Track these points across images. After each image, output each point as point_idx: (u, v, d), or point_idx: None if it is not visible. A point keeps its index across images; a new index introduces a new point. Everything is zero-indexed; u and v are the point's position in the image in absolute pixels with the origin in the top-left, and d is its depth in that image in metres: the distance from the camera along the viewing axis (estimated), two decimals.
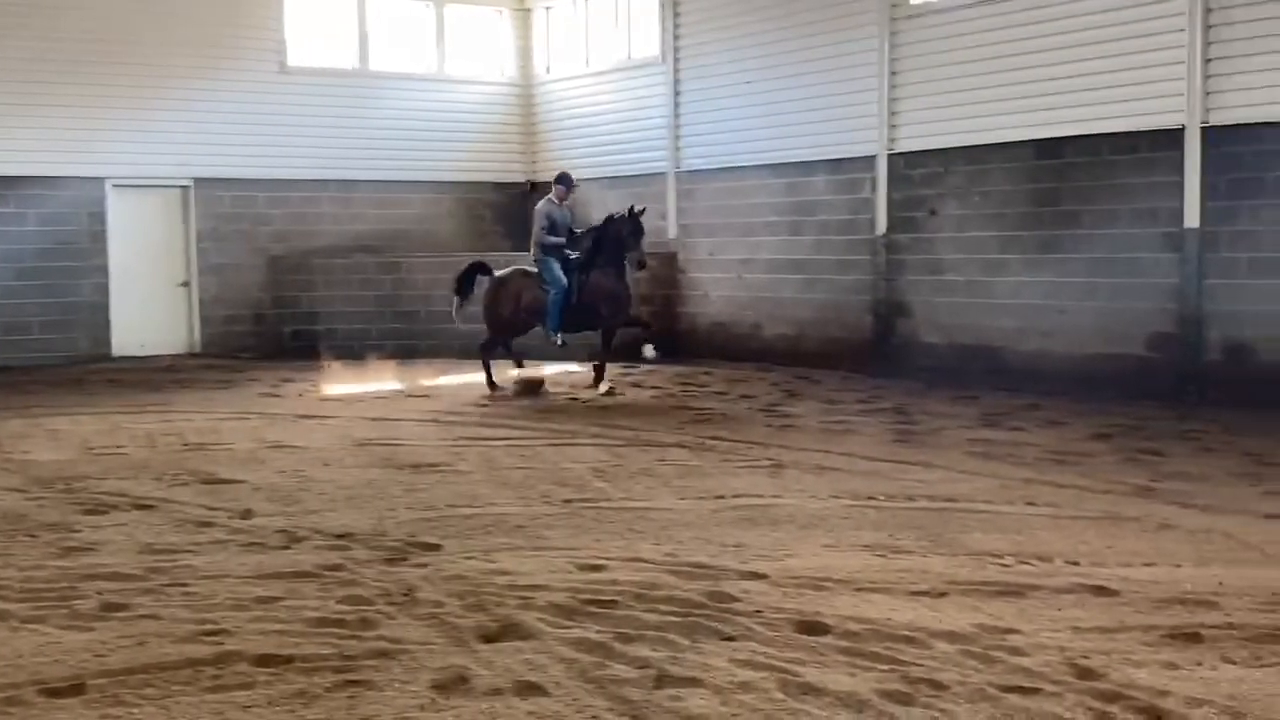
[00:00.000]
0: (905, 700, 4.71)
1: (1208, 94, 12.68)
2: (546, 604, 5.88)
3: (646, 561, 6.71)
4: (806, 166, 17.06)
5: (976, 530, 7.53)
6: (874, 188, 16.17)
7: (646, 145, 19.33)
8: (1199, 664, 5.09)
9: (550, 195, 14.67)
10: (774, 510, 8.09)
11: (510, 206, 21.39)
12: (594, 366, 14.54)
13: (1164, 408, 12.46)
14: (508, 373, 14.55)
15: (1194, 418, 11.89)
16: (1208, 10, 12.60)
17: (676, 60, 18.85)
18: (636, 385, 15.25)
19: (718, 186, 18.38)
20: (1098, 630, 5.51)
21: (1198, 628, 5.52)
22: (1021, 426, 11.70)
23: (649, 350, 14.26)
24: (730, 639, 5.40)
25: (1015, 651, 5.23)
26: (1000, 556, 6.86)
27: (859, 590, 6.17)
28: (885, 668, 5.04)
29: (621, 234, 14.11)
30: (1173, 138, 12.96)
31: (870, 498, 8.48)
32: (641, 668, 5.05)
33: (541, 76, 21.48)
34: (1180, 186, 12.89)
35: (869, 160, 16.19)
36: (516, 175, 21.59)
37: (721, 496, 8.49)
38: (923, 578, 6.39)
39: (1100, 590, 6.15)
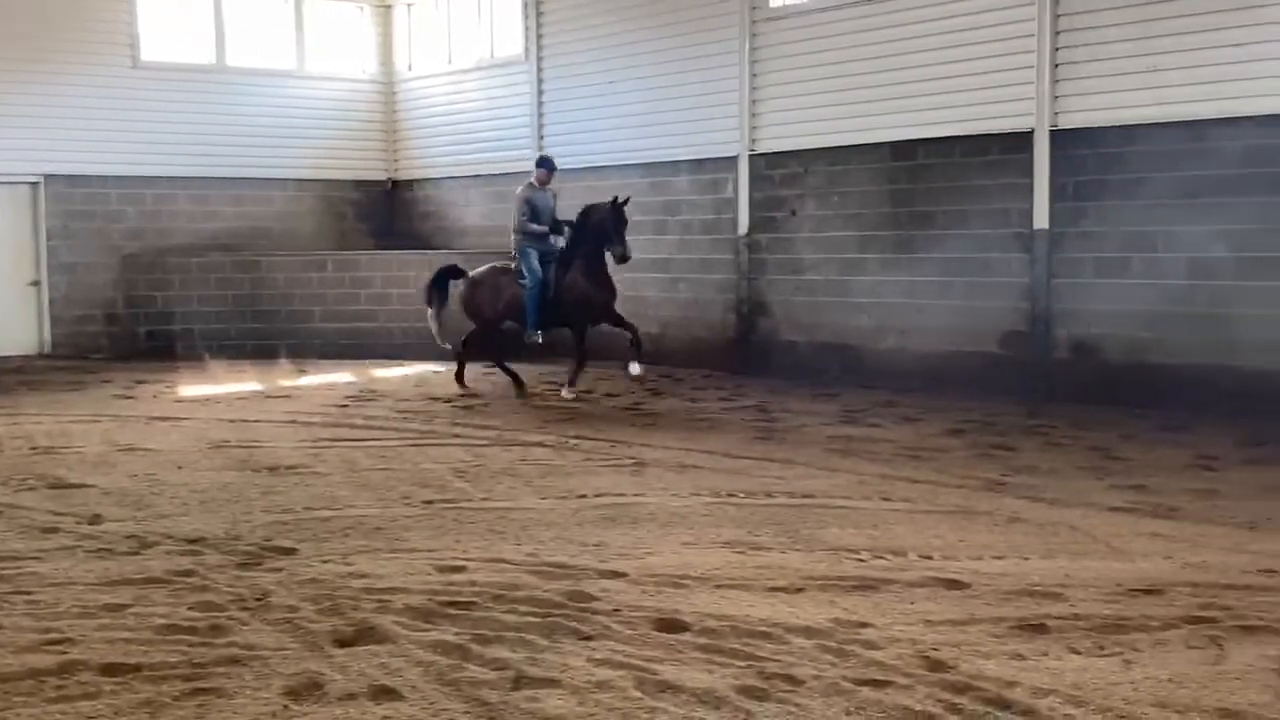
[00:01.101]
0: (761, 696, 4.75)
1: (1055, 98, 13.06)
2: (404, 607, 5.82)
3: (507, 562, 6.69)
4: (670, 166, 17.15)
5: (834, 526, 7.65)
6: (736, 188, 16.32)
7: (510, 144, 19.23)
8: (1045, 654, 5.23)
9: (531, 180, 13.86)
10: (635, 509, 8.11)
11: (372, 205, 21.18)
12: (573, 371, 13.80)
13: (1015, 404, 12.80)
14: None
15: (1043, 413, 12.24)
16: (1056, 17, 12.98)
17: (540, 58, 18.80)
18: (498, 384, 15.16)
19: (582, 185, 18.26)
20: (949, 623, 5.63)
21: (1044, 619, 5.67)
22: (879, 423, 11.91)
23: (635, 368, 13.28)
24: (589, 638, 5.40)
25: (869, 645, 5.32)
26: (856, 551, 6.98)
27: (718, 587, 6.22)
28: (742, 664, 5.09)
29: (603, 226, 13.31)
30: (1022, 141, 13.32)
31: (731, 495, 8.56)
32: (499, 669, 5.03)
33: (404, 74, 21.26)
34: (1030, 188, 13.25)
35: (731, 160, 16.34)
36: (378, 173, 21.36)
37: (583, 496, 8.49)
38: (780, 574, 6.47)
39: (952, 583, 6.28)
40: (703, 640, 5.38)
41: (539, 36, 18.79)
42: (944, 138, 14.04)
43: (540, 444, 10.76)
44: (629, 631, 5.50)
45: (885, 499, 8.52)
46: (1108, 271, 12.83)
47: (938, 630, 5.53)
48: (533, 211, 13.58)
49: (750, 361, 16.04)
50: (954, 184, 14.05)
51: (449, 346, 14.39)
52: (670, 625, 5.58)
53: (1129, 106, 12.55)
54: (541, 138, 18.80)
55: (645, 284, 17.47)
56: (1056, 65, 13.04)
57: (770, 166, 16.00)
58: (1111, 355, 12.84)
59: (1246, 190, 11.83)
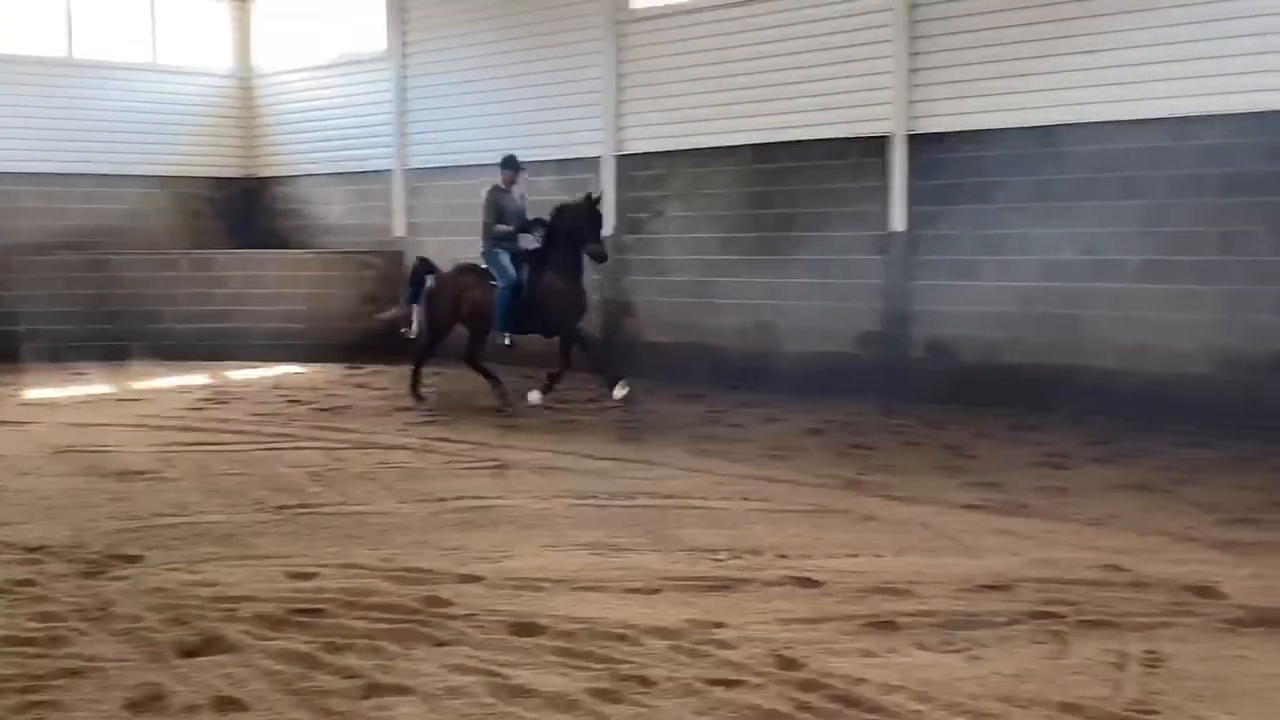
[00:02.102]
0: (614, 698, 4.74)
1: (912, 103, 13.31)
2: (252, 615, 5.68)
3: (361, 568, 6.57)
4: (535, 166, 17.00)
5: (693, 526, 7.67)
6: (601, 188, 16.29)
7: (373, 142, 19.01)
8: (893, 651, 5.30)
9: (497, 182, 13.32)
10: (496, 511, 8.05)
11: (229, 203, 20.73)
12: (548, 374, 12.95)
13: (874, 403, 12.98)
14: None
15: (900, 413, 12.44)
16: (913, 23, 13.23)
17: (404, 55, 18.59)
18: (361, 386, 14.98)
19: (447, 185, 18.19)
20: (802, 621, 5.68)
21: (894, 616, 5.75)
22: (741, 423, 12.00)
23: (620, 389, 12.41)
24: (442, 644, 5.33)
25: (723, 645, 5.33)
26: (714, 552, 7.00)
27: (576, 589, 6.19)
28: (597, 666, 5.07)
29: (577, 225, 12.65)
30: (880, 145, 13.55)
31: (592, 496, 8.54)
32: (349, 678, 4.93)
33: (262, 69, 20.84)
34: (887, 192, 13.48)
35: (596, 161, 16.33)
36: (236, 171, 20.90)
37: (443, 499, 8.39)
38: (639, 575, 6.47)
39: (807, 582, 6.34)
40: (558, 643, 5.34)
41: (402, 33, 18.58)
42: (805, 141, 14.20)
43: (402, 447, 10.62)
44: (484, 636, 5.45)
45: (745, 499, 8.58)
46: (963, 273, 13.10)
47: (791, 629, 5.57)
48: (499, 213, 13.08)
49: (616, 362, 16.00)
50: (815, 187, 14.22)
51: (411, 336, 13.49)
52: (526, 629, 5.53)
53: (983, 112, 12.84)
54: (405, 136, 18.60)
55: None
56: (913, 71, 13.29)
57: (635, 167, 16.03)
58: (966, 355, 13.12)
59: (1095, 194, 12.17)
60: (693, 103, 15.28)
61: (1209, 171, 11.49)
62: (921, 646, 5.37)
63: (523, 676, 4.96)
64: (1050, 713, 4.61)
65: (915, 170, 13.36)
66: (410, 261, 18.45)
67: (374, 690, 4.82)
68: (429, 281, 13.34)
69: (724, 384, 14.49)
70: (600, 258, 12.75)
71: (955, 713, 4.62)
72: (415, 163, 18.57)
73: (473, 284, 13.08)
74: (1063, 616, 5.74)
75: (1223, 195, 11.43)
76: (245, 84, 20.94)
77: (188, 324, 17.86)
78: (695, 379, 14.81)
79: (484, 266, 13.07)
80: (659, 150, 15.75)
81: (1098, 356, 12.21)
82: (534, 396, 12.83)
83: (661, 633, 5.48)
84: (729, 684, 4.88)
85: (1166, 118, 11.68)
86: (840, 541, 7.33)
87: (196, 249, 19.45)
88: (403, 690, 4.82)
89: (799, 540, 7.33)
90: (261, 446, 10.57)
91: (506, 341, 13.00)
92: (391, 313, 14.23)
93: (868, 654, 5.26)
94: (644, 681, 4.90)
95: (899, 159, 13.43)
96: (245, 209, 20.89)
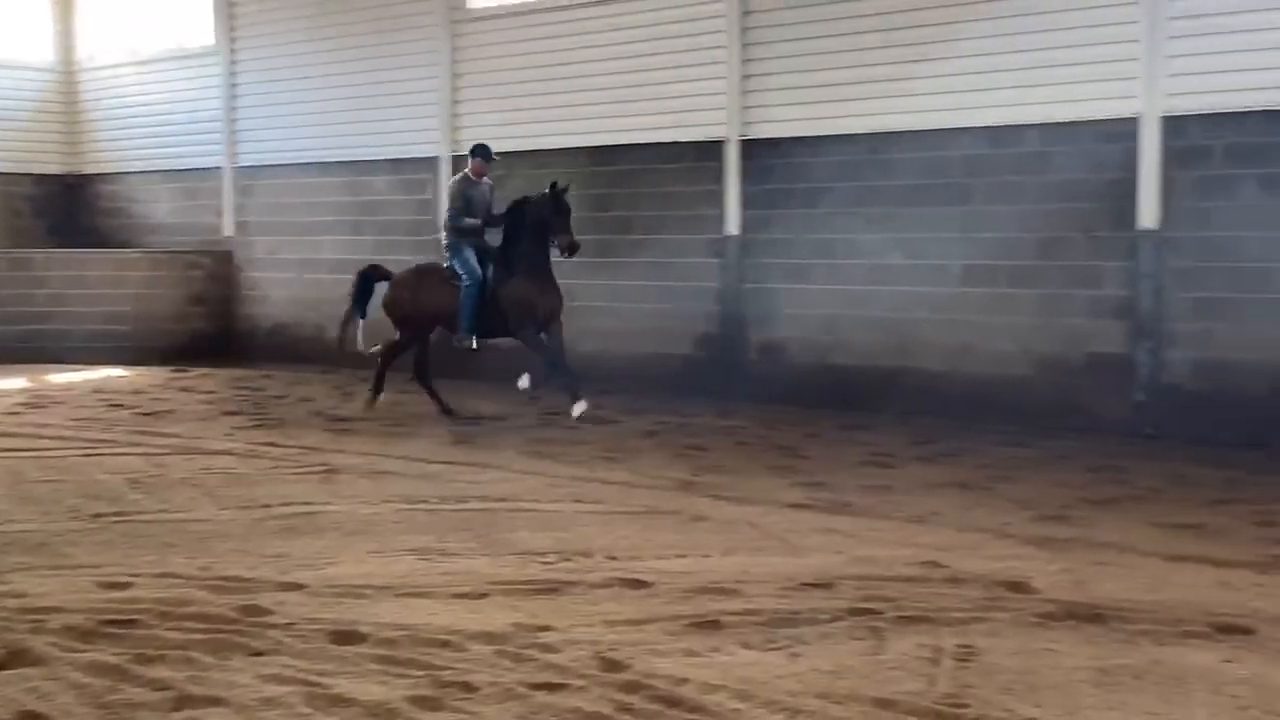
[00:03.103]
0: (435, 705, 4.68)
1: (745, 109, 13.49)
2: (60, 627, 5.48)
3: (177, 577, 6.39)
4: (369, 165, 16.86)
5: (524, 529, 7.64)
6: (437, 189, 16.16)
7: (201, 139, 18.53)
8: (717, 650, 5.34)
9: (466, 171, 12.68)
10: (321, 517, 7.90)
11: (50, 200, 19.99)
12: (569, 393, 12.17)
13: (709, 405, 13.09)
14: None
15: (735, 414, 12.56)
16: (745, 30, 13.41)
17: (232, 50, 18.17)
18: (186, 389, 14.59)
19: (278, 183, 17.85)
20: (628, 623, 5.69)
21: (719, 615, 5.79)
22: (576, 426, 11.99)
23: (525, 380, 12.28)
24: (259, 654, 5.20)
25: (548, 649, 5.31)
26: (544, 554, 6.98)
27: (400, 596, 6.11)
28: (419, 673, 5.00)
29: (543, 218, 12.10)
30: (715, 149, 13.70)
31: (422, 501, 8.44)
32: (160, 690, 4.78)
33: (86, 62, 20.15)
34: (722, 196, 13.63)
35: (432, 161, 16.19)
36: (57, 167, 20.17)
37: (267, 505, 8.21)
38: (466, 580, 6.41)
39: (635, 583, 6.36)
40: (380, 651, 5.26)
41: (232, 28, 18.16)
42: (642, 144, 14.28)
43: (226, 452, 10.37)
44: (303, 645, 5.33)
45: (577, 501, 8.58)
46: (795, 277, 13.31)
47: (616, 630, 5.57)
48: (466, 205, 12.43)
49: (451, 365, 15.86)
50: (652, 190, 14.31)
51: (373, 351, 12.87)
52: (347, 637, 5.43)
53: (814, 118, 13.07)
54: (234, 133, 18.19)
55: (344, 286, 17.04)
56: (746, 77, 13.47)
57: None
58: (798, 357, 13.33)
59: (920, 200, 12.48)
60: (530, 104, 15.24)
61: (1026, 179, 11.87)
62: (745, 645, 5.41)
63: (341, 685, 4.87)
64: (865, 708, 4.70)
65: (749, 175, 13.53)
66: (242, 262, 18.18)
67: (185, 702, 4.69)
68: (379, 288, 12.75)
69: (561, 386, 14.44)
70: (573, 249, 12.15)
71: (774, 710, 4.67)
72: (245, 161, 18.17)
73: (439, 283, 12.44)
74: (881, 613, 5.85)
75: (1039, 202, 11.81)
76: (68, 77, 20.21)
77: (6, 325, 17.20)
78: (533, 380, 14.73)
79: (446, 264, 12.51)
80: (496, 151, 15.61)
81: (923, 358, 12.51)
82: (577, 409, 12.01)
83: (486, 637, 5.43)
84: (552, 688, 4.86)
85: (986, 126, 12.03)
86: (670, 542, 7.37)
87: (16, 248, 18.72)
88: (215, 702, 4.69)
89: (629, 542, 7.36)
90: (80, 452, 10.21)
91: (473, 345, 12.38)
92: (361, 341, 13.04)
93: (691, 654, 5.29)
94: (466, 687, 4.85)
95: (733, 164, 13.60)
96: (67, 207, 20.16)
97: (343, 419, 12.41)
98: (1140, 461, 10.04)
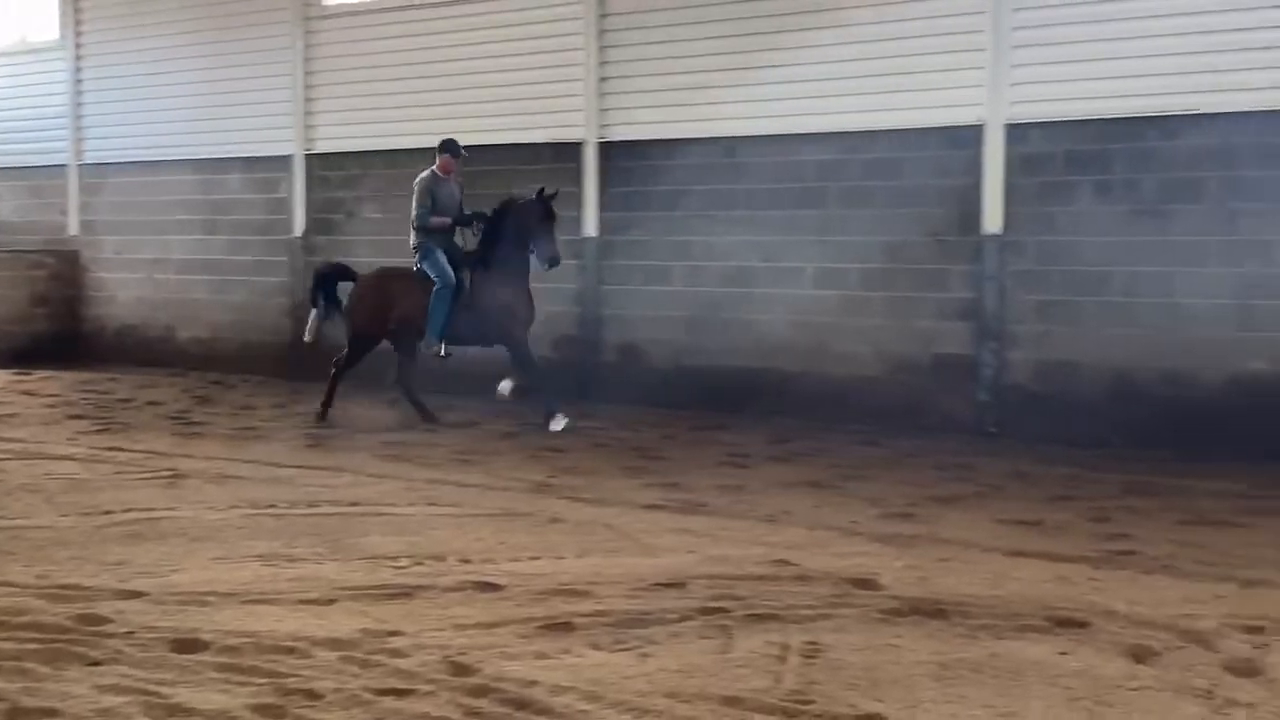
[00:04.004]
0: (278, 713, 4.60)
1: (603, 110, 13.53)
2: None
3: (13, 585, 6.19)
4: (221, 164, 16.53)
5: (375, 533, 7.55)
6: (291, 188, 15.93)
7: (46, 135, 17.97)
8: (567, 652, 5.35)
9: (434, 167, 12.07)
10: (165, 523, 7.72)
11: None
12: (544, 408, 11.69)
13: (568, 406, 13.06)
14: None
15: (593, 414, 12.57)
16: (602, 32, 13.46)
17: (79, 45, 17.67)
18: (29, 393, 14.13)
19: (126, 181, 17.40)
20: (478, 626, 5.66)
21: (571, 617, 5.80)
22: (433, 428, 11.90)
23: (506, 385, 11.71)
24: (97, 664, 5.06)
25: (396, 654, 5.26)
26: (395, 559, 6.91)
27: (245, 603, 5.99)
28: (261, 681, 4.92)
29: (526, 224, 11.58)
30: (573, 151, 13.71)
31: (270, 506, 8.30)
32: None
33: None
34: (579, 197, 13.64)
35: (286, 160, 15.94)
36: None
37: (109, 511, 7.99)
38: (314, 585, 6.32)
39: (487, 586, 6.33)
40: (222, 659, 5.16)
41: (77, 21, 17.64)
42: (499, 145, 14.21)
43: (69, 457, 10.08)
44: (142, 654, 5.21)
45: (431, 504, 8.52)
46: (653, 279, 13.39)
47: (467, 634, 5.54)
48: (434, 204, 11.86)
49: (308, 367, 15.63)
50: (509, 191, 14.20)
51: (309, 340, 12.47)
52: (188, 645, 5.31)
53: (671, 121, 13.17)
54: (80, 130, 17.68)
55: (194, 286, 16.82)
56: (604, 79, 13.52)
57: (327, 167, 15.73)
58: (656, 358, 13.41)
59: (775, 204, 12.64)
60: (386, 103, 15.09)
61: (877, 184, 12.11)
62: (595, 646, 5.43)
63: (181, 695, 4.76)
64: (713, 706, 4.74)
65: (607, 177, 13.58)
66: (88, 262, 17.66)
67: (19, 714, 4.55)
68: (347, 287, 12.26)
69: (422, 388, 14.29)
70: (554, 262, 11.60)
71: (622, 710, 4.69)
72: (92, 158, 17.68)
73: (407, 288, 11.88)
74: (731, 612, 5.91)
75: (889, 207, 12.06)
76: None
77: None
78: (392, 383, 14.56)
79: (415, 268, 11.95)
80: (352, 150, 15.49)
81: (779, 360, 12.67)
82: (556, 424, 11.62)
83: (333, 644, 5.36)
84: (399, 693, 4.82)
85: (838, 132, 12.24)
86: (524, 545, 7.36)
87: None
88: (50, 713, 4.55)
89: (483, 545, 7.32)
90: None
91: (442, 352, 11.86)
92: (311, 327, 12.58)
93: (542, 656, 5.29)
94: (311, 695, 4.78)
95: (591, 165, 13.63)
96: None
97: (192, 422, 12.13)
98: (984, 459, 10.31)
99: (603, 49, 13.50)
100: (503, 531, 7.70)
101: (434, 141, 14.60)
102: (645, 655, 5.32)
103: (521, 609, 5.96)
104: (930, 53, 11.76)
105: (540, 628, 5.66)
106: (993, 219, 11.53)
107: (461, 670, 5.06)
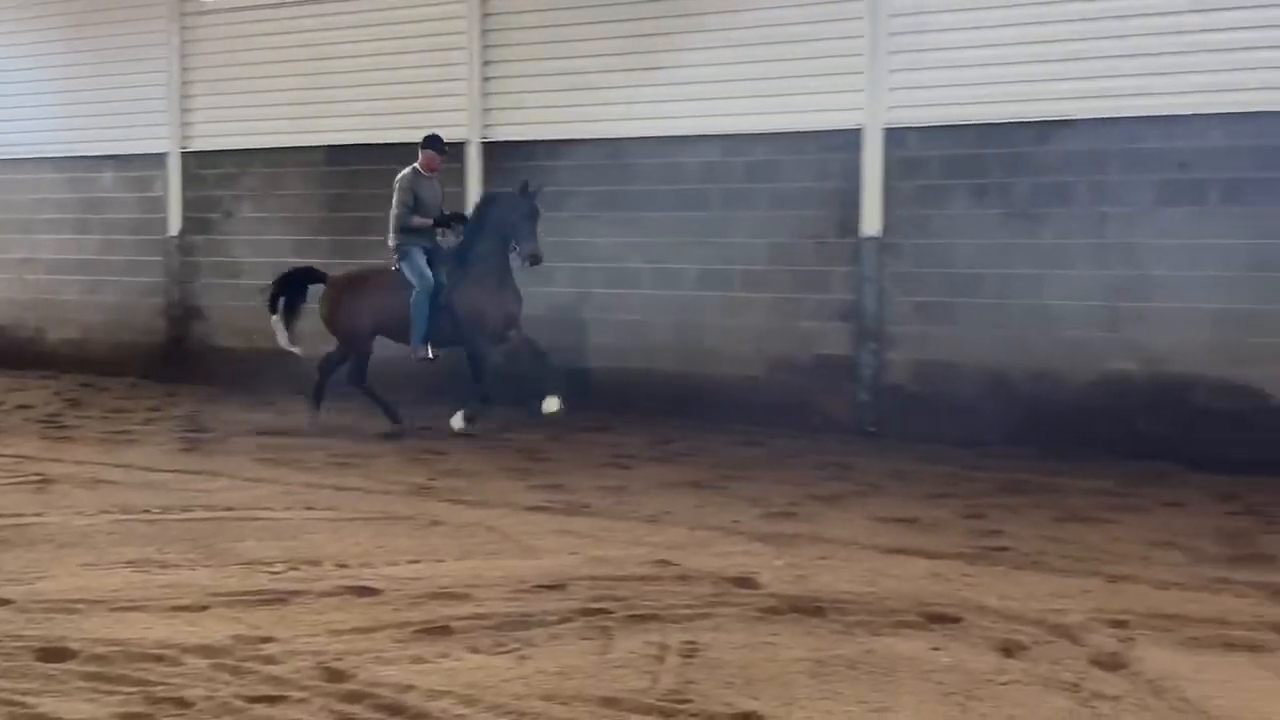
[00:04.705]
0: None
1: (486, 110, 13.47)
2: None
3: None
4: (93, 162, 16.13)
5: (251, 539, 7.43)
6: (166, 186, 15.61)
7: None
8: (445, 656, 5.30)
9: (416, 164, 11.63)
10: (33, 530, 7.51)
11: None
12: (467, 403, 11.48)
13: (451, 407, 12.94)
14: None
15: (478, 417, 12.45)
16: (485, 32, 13.39)
17: None
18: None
19: None
20: (354, 631, 5.59)
21: (449, 620, 5.76)
22: (311, 431, 11.73)
23: (551, 403, 11.19)
24: None
25: (269, 660, 5.18)
26: (270, 564, 6.81)
27: (114, 610, 5.86)
28: (130, 690, 4.81)
29: (508, 220, 11.23)
30: (456, 151, 13.53)
31: (143, 511, 8.14)
32: None
33: None
34: (464, 198, 13.52)
35: (161, 158, 15.61)
36: None
37: None
38: (186, 592, 6.19)
39: (364, 591, 6.26)
40: (89, 668, 5.04)
41: None
42: (381, 144, 14.07)
43: None
44: (7, 663, 5.07)
45: (309, 508, 8.40)
46: (536, 279, 13.26)
47: (342, 639, 5.47)
48: (416, 203, 11.44)
49: (183, 369, 15.36)
50: (390, 191, 14.06)
51: (296, 350, 12.06)
52: (55, 654, 5.18)
53: (555, 122, 13.13)
54: None
55: (66, 286, 16.39)
56: (487, 79, 13.45)
57: (204, 166, 15.44)
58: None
59: (658, 206, 12.67)
60: (265, 100, 14.85)
61: (758, 187, 12.21)
62: (473, 650, 5.40)
63: (47, 705, 4.64)
64: (590, 707, 4.74)
65: (490, 177, 13.49)
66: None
67: None
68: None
69: (298, 391, 14.09)
70: (536, 260, 11.20)
71: (499, 714, 4.66)
72: None
73: (388, 289, 11.50)
74: (611, 612, 5.91)
75: (771, 209, 12.17)
76: None
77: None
78: (269, 386, 14.34)
79: (395, 268, 11.57)
80: (229, 149, 15.21)
81: (663, 360, 12.71)
82: (456, 422, 11.42)
83: (204, 651, 5.26)
84: (271, 700, 4.75)
85: (721, 134, 12.32)
86: (403, 548, 7.29)
87: None
88: None
89: (360, 549, 7.24)
90: None
91: (429, 355, 11.43)
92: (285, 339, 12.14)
93: (419, 660, 5.24)
94: (180, 703, 4.69)
95: (474, 165, 13.55)
96: None
97: (63, 426, 11.82)
98: (864, 459, 10.45)
99: (486, 48, 13.43)
100: (381, 535, 7.62)
101: (314, 140, 14.52)
102: (524, 658, 5.30)
103: (399, 613, 5.91)
104: (810, 57, 11.88)
105: (417, 632, 5.61)
106: (871, 222, 11.70)
107: (335, 676, 5.00)
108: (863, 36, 11.63)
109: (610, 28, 12.82)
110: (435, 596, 6.18)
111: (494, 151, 13.51)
